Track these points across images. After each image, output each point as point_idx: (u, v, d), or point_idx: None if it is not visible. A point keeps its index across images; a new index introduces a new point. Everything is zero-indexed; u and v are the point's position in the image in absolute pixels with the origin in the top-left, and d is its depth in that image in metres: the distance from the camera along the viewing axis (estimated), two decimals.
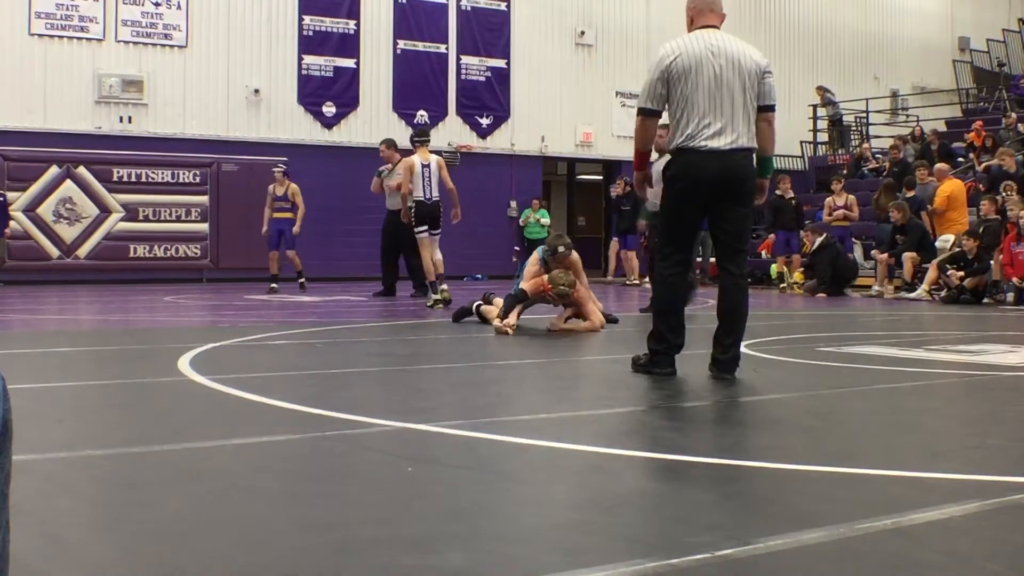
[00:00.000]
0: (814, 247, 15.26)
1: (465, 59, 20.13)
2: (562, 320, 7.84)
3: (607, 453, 3.25)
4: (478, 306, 8.50)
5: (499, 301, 8.21)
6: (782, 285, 16.24)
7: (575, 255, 8.07)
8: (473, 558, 2.12)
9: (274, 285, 13.58)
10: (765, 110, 5.18)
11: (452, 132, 20.02)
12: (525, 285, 7.84)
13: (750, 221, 5.43)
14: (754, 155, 5.21)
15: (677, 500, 2.72)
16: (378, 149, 19.31)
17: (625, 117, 21.18)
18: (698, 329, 5.86)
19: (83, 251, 16.86)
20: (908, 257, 14.52)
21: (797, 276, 15.89)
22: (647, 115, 5.15)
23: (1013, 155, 14.94)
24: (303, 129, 18.71)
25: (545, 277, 7.70)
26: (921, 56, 25.73)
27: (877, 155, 20.44)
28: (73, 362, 5.91)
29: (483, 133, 20.32)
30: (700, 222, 5.29)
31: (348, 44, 19.03)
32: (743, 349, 5.36)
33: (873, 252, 15.50)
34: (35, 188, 16.49)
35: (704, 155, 5.01)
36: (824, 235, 15.28)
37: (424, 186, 10.82)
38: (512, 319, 7.54)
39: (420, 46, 19.68)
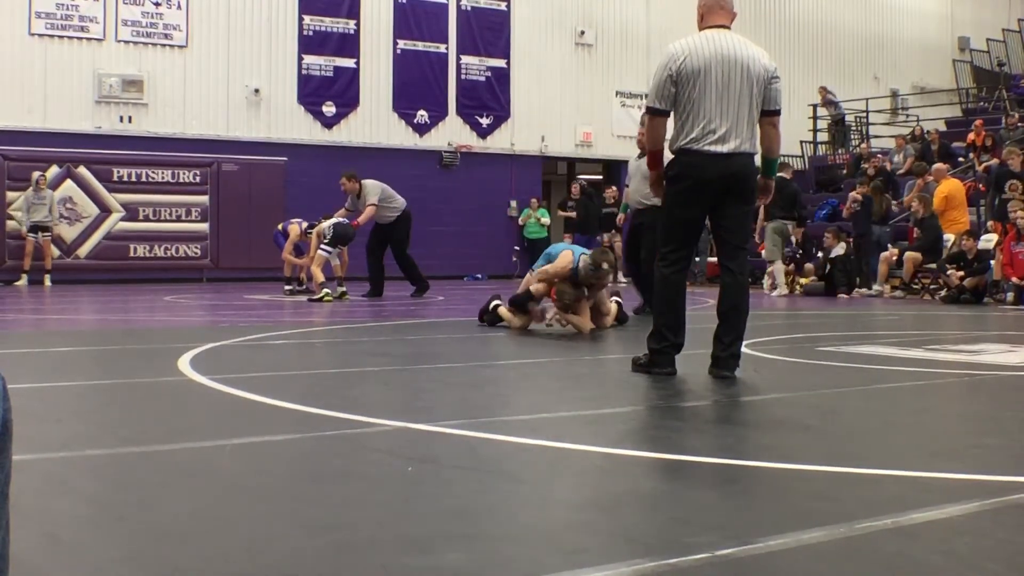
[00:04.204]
0: (831, 255, 15.16)
1: (465, 59, 20.13)
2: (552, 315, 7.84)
3: (607, 453, 3.25)
4: (496, 306, 8.29)
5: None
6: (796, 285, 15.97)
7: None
8: (473, 558, 2.12)
9: (298, 287, 13.57)
10: (770, 114, 5.19)
11: (452, 132, 20.03)
12: (536, 286, 7.76)
13: (751, 220, 5.43)
14: (757, 157, 5.23)
15: (677, 500, 2.72)
16: (379, 149, 19.40)
17: (625, 117, 21.17)
18: (698, 329, 5.86)
19: (83, 251, 16.86)
20: (909, 257, 14.49)
21: (805, 280, 15.76)
22: (656, 114, 5.15)
23: (1020, 154, 14.90)
24: (303, 129, 18.71)
25: (549, 288, 7.69)
26: (921, 56, 25.73)
27: (877, 155, 20.43)
28: (73, 362, 5.91)
29: (483, 133, 20.32)
30: (701, 222, 5.30)
31: (348, 44, 19.03)
32: (743, 348, 5.36)
33: (893, 249, 15.29)
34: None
35: (706, 157, 5.02)
36: (844, 245, 15.14)
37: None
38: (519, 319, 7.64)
39: (420, 46, 19.68)
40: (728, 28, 5.22)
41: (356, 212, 12.81)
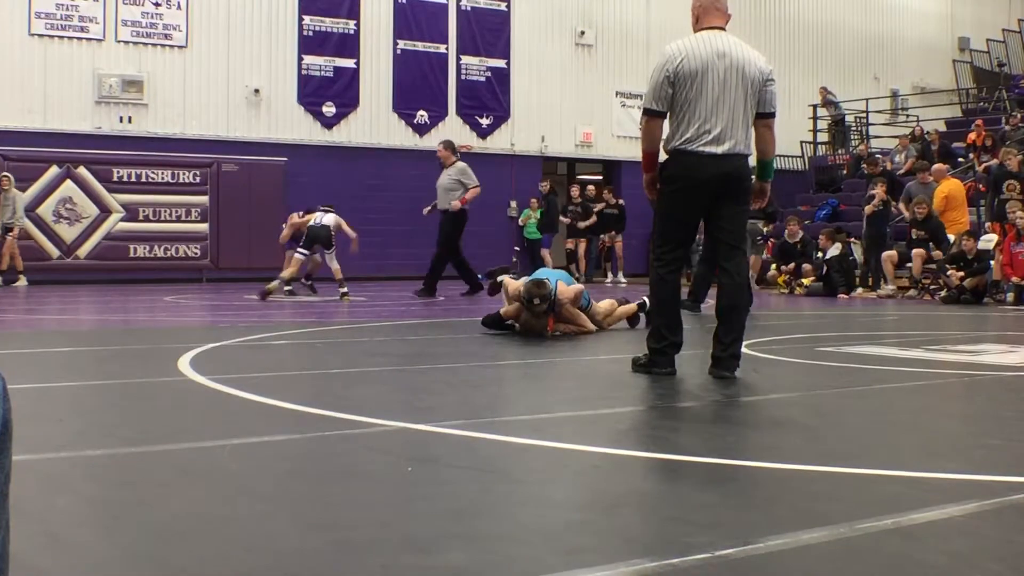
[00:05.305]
0: (827, 256, 15.17)
1: (465, 59, 20.12)
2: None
3: (607, 453, 3.26)
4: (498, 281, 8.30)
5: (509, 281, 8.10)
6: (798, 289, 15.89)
7: (562, 287, 7.62)
8: (473, 558, 2.12)
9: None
10: (765, 116, 5.21)
11: (452, 132, 19.97)
12: (505, 308, 7.70)
13: (746, 220, 5.44)
14: (751, 159, 5.25)
15: (677, 500, 2.72)
16: (379, 150, 19.41)
17: (625, 117, 21.17)
18: (698, 329, 5.86)
19: (83, 251, 16.84)
20: (917, 254, 14.43)
21: (807, 281, 15.73)
22: (653, 116, 5.16)
23: (1016, 154, 14.92)
24: (303, 129, 18.70)
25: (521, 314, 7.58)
26: (921, 56, 25.73)
27: (877, 155, 20.45)
28: (73, 362, 5.91)
29: (483, 133, 20.31)
30: (696, 222, 5.33)
31: (348, 44, 19.02)
32: (743, 348, 5.36)
33: (912, 250, 15.20)
34: (35, 188, 16.47)
35: (701, 158, 5.04)
36: (840, 246, 15.15)
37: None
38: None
39: (420, 46, 19.67)
40: (724, 29, 5.23)
41: (440, 188, 13.38)
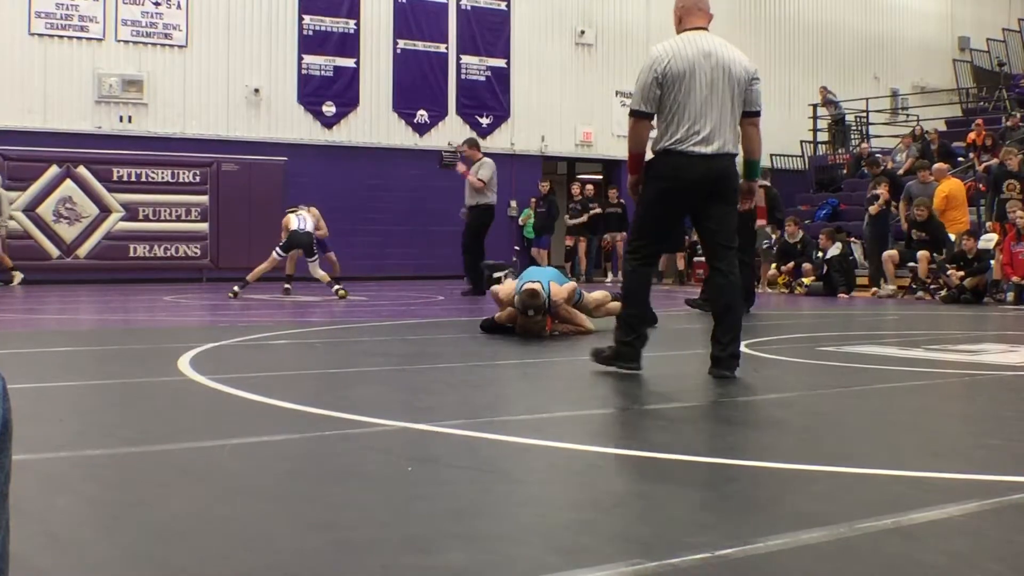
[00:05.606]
0: (827, 256, 15.18)
1: (465, 59, 20.12)
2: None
3: (607, 453, 3.26)
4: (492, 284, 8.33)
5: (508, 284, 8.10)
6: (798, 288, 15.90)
7: (555, 288, 7.57)
8: (473, 558, 2.13)
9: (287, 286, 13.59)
10: (751, 115, 5.23)
11: (452, 132, 19.99)
12: (498, 314, 7.69)
13: (735, 219, 5.42)
14: (738, 159, 5.27)
15: (677, 500, 2.72)
16: (379, 149, 19.40)
17: (625, 117, 21.14)
18: (697, 329, 5.86)
19: (83, 251, 16.84)
20: (923, 256, 14.42)
21: (807, 280, 15.72)
22: (640, 117, 5.18)
23: (1017, 154, 14.91)
24: (303, 129, 18.70)
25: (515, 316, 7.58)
26: (921, 56, 25.72)
27: (877, 155, 20.44)
28: (73, 362, 5.91)
29: (483, 133, 20.29)
30: (678, 221, 5.40)
31: (348, 44, 19.02)
32: (743, 348, 5.36)
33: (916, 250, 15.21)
34: (35, 188, 16.47)
35: (690, 158, 5.06)
36: (840, 246, 15.17)
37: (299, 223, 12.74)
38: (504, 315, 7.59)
39: (420, 46, 19.67)
40: (706, 30, 5.25)
41: (468, 185, 13.31)
